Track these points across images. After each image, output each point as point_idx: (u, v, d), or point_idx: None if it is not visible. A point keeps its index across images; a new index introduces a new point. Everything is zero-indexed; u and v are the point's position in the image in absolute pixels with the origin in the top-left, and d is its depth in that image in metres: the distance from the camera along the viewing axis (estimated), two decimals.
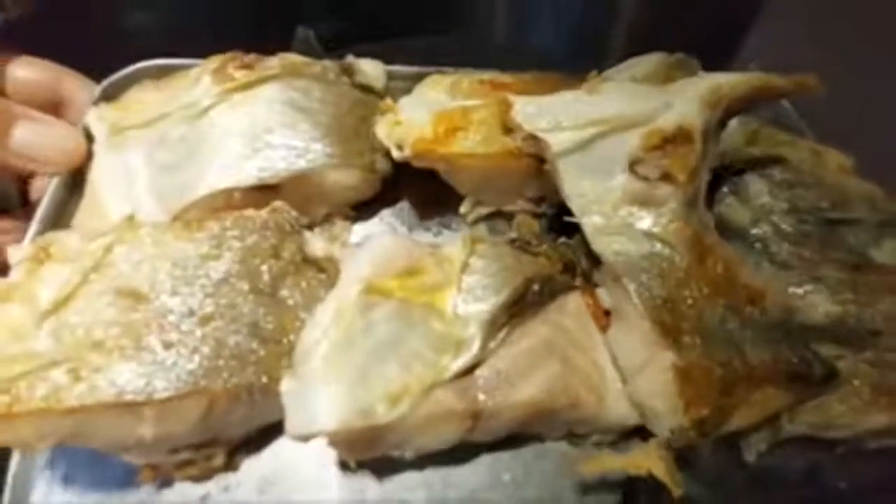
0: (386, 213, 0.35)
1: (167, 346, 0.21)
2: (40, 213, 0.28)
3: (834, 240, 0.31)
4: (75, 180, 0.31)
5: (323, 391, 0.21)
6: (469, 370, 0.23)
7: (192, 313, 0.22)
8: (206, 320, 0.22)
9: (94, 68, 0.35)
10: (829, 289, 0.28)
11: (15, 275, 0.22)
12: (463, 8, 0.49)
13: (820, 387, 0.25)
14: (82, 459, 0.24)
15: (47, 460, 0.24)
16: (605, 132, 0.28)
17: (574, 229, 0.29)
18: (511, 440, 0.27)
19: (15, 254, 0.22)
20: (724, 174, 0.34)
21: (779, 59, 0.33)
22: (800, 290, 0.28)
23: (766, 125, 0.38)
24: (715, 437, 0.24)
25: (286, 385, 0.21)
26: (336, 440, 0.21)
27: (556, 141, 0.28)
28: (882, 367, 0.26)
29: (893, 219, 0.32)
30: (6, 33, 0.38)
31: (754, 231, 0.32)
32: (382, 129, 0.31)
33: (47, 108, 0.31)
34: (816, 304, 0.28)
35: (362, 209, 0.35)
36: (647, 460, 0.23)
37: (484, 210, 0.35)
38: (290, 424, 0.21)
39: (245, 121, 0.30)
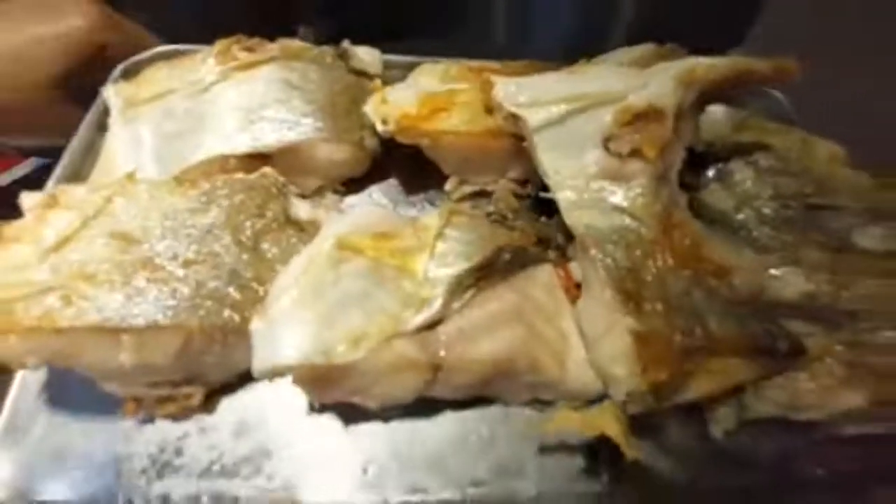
0: (374, 189, 0.37)
1: (151, 282, 0.23)
2: (57, 174, 0.31)
3: (816, 225, 0.31)
4: (91, 149, 0.34)
5: (288, 331, 0.22)
6: (431, 326, 0.24)
7: (176, 257, 0.24)
8: (188, 264, 0.24)
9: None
10: (806, 269, 0.28)
11: (26, 218, 0.25)
12: (463, 8, 0.51)
13: (785, 361, 0.25)
14: (72, 394, 0.26)
15: (40, 391, 0.26)
16: (580, 108, 0.29)
17: (554, 211, 0.30)
18: (476, 402, 0.27)
19: (27, 200, 0.25)
20: (710, 161, 0.34)
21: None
22: (776, 271, 0.28)
23: (756, 115, 0.38)
24: (673, 404, 0.24)
25: (255, 324, 0.23)
26: (298, 377, 0.23)
27: (533, 117, 0.29)
28: (856, 347, 0.26)
29: (879, 206, 0.31)
30: None
31: (738, 217, 0.32)
32: (370, 106, 0.33)
33: None
34: (790, 282, 0.27)
35: (352, 186, 0.36)
36: (602, 421, 0.23)
37: (468, 189, 0.37)
38: (257, 360, 0.22)
39: (243, 97, 0.33)
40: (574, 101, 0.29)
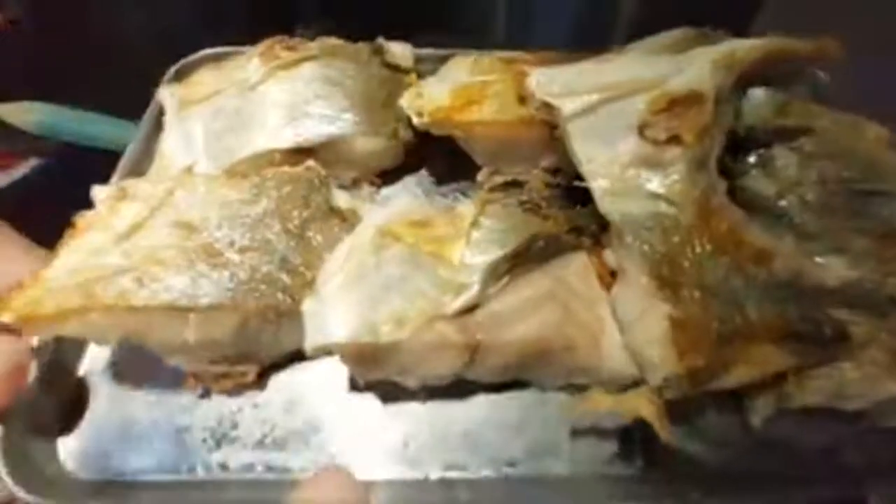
0: (409, 181, 0.38)
1: (212, 267, 0.25)
2: (119, 171, 0.34)
3: (862, 210, 0.30)
4: (149, 147, 0.36)
5: (336, 311, 0.24)
6: (469, 310, 0.25)
7: (233, 244, 0.26)
8: (243, 250, 0.26)
9: (91, 70, 0.38)
10: (851, 256, 0.27)
11: (98, 209, 0.27)
12: (463, 8, 0.50)
13: (829, 350, 0.24)
14: (136, 371, 0.28)
15: (106, 367, 0.28)
16: (615, 96, 0.29)
17: (588, 199, 0.30)
18: (512, 385, 0.28)
19: (99, 192, 0.28)
20: (752, 146, 0.33)
21: None
22: (820, 258, 0.28)
23: (799, 98, 0.37)
24: (710, 390, 0.24)
25: (307, 305, 0.24)
26: (345, 353, 0.24)
27: (567, 106, 0.29)
28: None
29: None
30: (6, 34, 0.43)
31: (780, 203, 0.31)
32: (405, 100, 0.34)
33: None
34: (833, 268, 0.27)
35: (387, 177, 0.38)
36: (637, 403, 0.23)
37: (500, 179, 0.37)
38: (309, 338, 0.24)
39: (287, 94, 0.34)
40: (608, 89, 0.29)
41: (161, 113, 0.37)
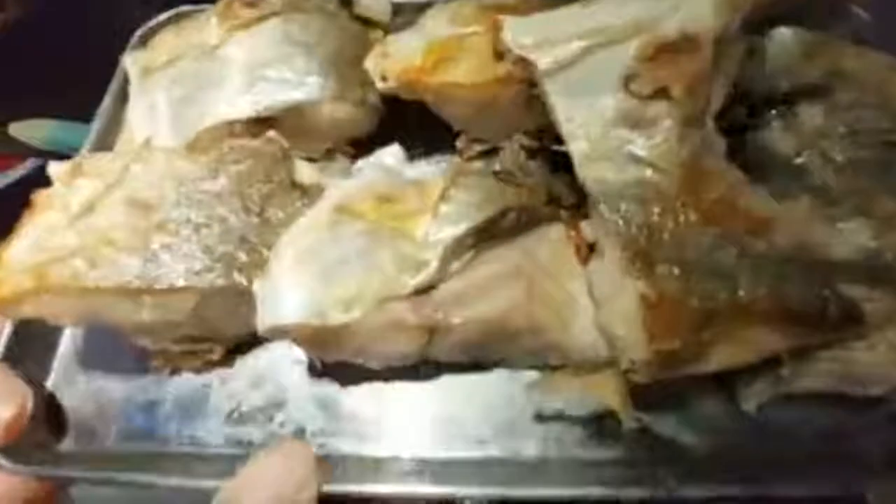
0: (384, 152, 0.35)
1: (167, 247, 0.24)
2: (86, 144, 0.33)
3: (894, 169, 0.25)
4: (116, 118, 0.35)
5: (286, 292, 0.23)
6: (427, 289, 0.24)
7: (189, 221, 0.25)
8: (200, 229, 0.25)
9: (91, 69, 0.37)
10: (877, 222, 0.23)
11: (56, 186, 0.27)
12: None
13: (837, 330, 0.21)
14: (106, 349, 0.29)
15: (79, 349, 0.29)
16: (598, 44, 0.25)
17: (570, 164, 0.27)
18: (483, 366, 0.27)
19: (55, 168, 0.27)
20: (773, 97, 0.29)
21: None
22: (841, 224, 0.24)
23: (833, 39, 0.31)
24: (688, 374, 0.22)
25: (257, 284, 0.24)
26: (297, 337, 0.24)
27: (543, 59, 0.26)
28: None
29: None
30: (6, 33, 0.41)
31: (798, 161, 0.27)
32: (370, 61, 0.31)
33: None
34: (850, 238, 0.23)
35: (362, 147, 0.36)
36: (602, 390, 0.22)
37: (479, 147, 0.35)
38: (259, 320, 0.23)
39: (246, 56, 0.32)
40: (590, 36, 0.25)
41: (127, 82, 0.35)
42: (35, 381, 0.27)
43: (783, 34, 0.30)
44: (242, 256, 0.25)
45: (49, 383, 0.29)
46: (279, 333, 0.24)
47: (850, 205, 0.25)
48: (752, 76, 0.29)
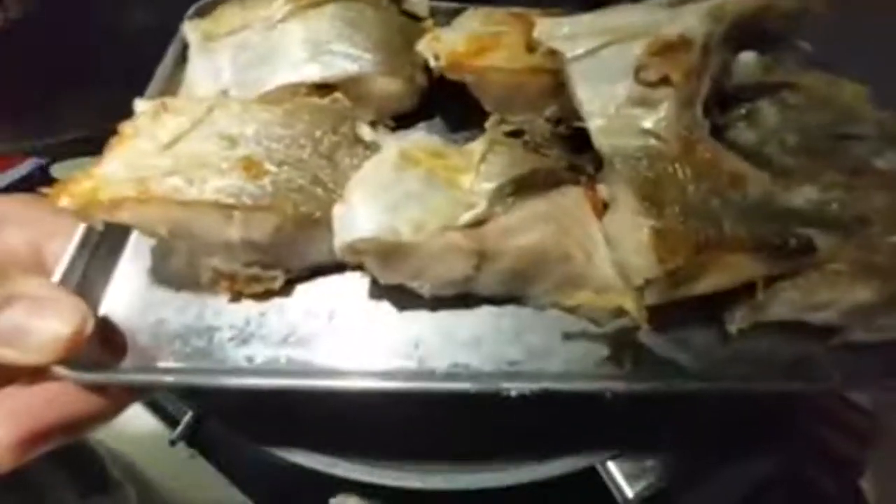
0: (422, 125, 0.41)
1: (253, 174, 0.28)
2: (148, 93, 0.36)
3: (837, 151, 0.33)
4: (172, 79, 0.38)
5: (363, 213, 0.27)
6: (477, 224, 0.29)
7: (271, 157, 0.29)
8: (280, 164, 0.29)
9: (91, 69, 0.38)
10: (821, 185, 0.30)
11: (140, 119, 0.29)
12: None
13: (795, 258, 0.28)
14: (164, 275, 0.31)
15: (139, 274, 0.31)
16: (614, 40, 0.32)
17: (585, 147, 0.33)
18: (512, 301, 0.32)
19: (140, 105, 0.30)
20: (739, 101, 0.37)
21: None
22: (795, 188, 0.30)
23: (785, 62, 0.40)
24: (688, 294, 0.28)
25: (336, 209, 0.27)
26: (369, 250, 0.27)
27: (570, 50, 0.32)
28: (867, 249, 0.28)
29: None
30: (6, 33, 0.42)
31: (762, 150, 0.34)
32: (423, 43, 0.37)
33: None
34: (803, 191, 0.30)
35: (401, 122, 0.40)
36: (619, 299, 0.27)
37: (507, 128, 0.40)
38: (337, 236, 0.27)
39: (311, 32, 0.37)
40: (608, 34, 0.32)
41: (185, 48, 0.39)
42: (93, 301, 0.29)
43: (748, 56, 0.39)
44: (318, 191, 0.29)
45: (106, 305, 0.30)
46: (352, 252, 0.27)
47: (802, 176, 0.32)
48: (724, 86, 0.37)
